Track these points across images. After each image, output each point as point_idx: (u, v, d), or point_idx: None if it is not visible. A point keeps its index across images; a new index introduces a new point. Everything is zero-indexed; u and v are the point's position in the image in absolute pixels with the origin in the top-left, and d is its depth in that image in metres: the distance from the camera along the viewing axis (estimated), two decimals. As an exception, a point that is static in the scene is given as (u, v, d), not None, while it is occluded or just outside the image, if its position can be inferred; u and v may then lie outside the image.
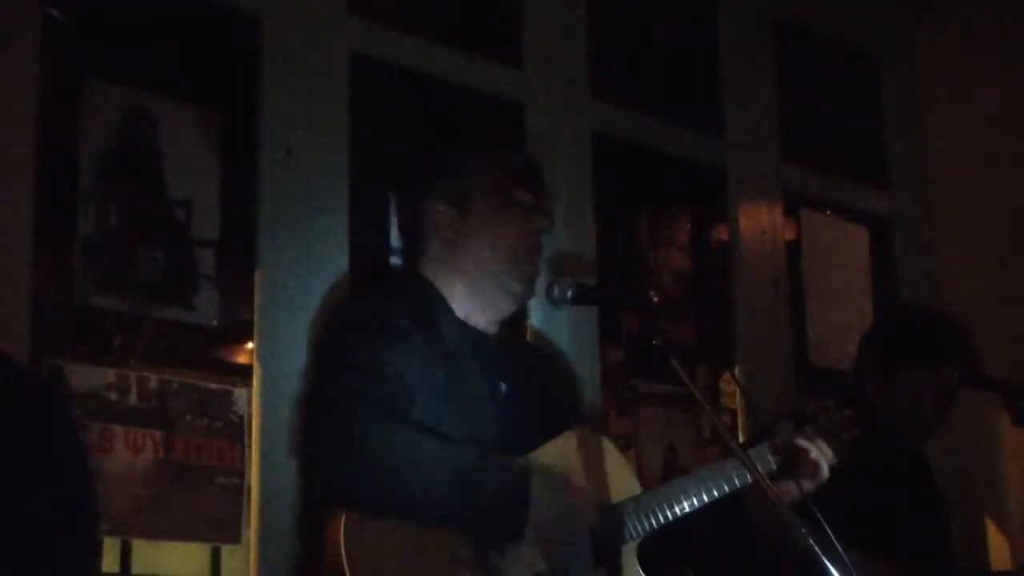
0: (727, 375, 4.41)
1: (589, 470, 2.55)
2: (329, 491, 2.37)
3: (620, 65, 4.14)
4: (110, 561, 3.73)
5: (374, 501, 2.32)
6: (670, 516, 2.55)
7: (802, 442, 2.63)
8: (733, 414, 4.36)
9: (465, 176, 2.70)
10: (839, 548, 2.23)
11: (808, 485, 2.59)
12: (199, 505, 3.00)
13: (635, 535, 2.54)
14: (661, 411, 4.20)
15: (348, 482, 2.32)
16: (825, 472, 2.61)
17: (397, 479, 2.32)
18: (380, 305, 2.58)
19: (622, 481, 2.60)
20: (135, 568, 3.90)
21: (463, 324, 2.65)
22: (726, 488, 2.59)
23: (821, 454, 2.63)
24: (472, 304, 2.67)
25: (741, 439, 3.81)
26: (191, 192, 3.09)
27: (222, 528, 3.04)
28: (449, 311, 2.64)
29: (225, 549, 3.72)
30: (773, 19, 4.50)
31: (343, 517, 2.29)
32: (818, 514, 2.32)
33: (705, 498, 2.57)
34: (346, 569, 2.26)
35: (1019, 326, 4.35)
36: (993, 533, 4.54)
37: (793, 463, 2.60)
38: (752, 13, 4.44)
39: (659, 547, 2.58)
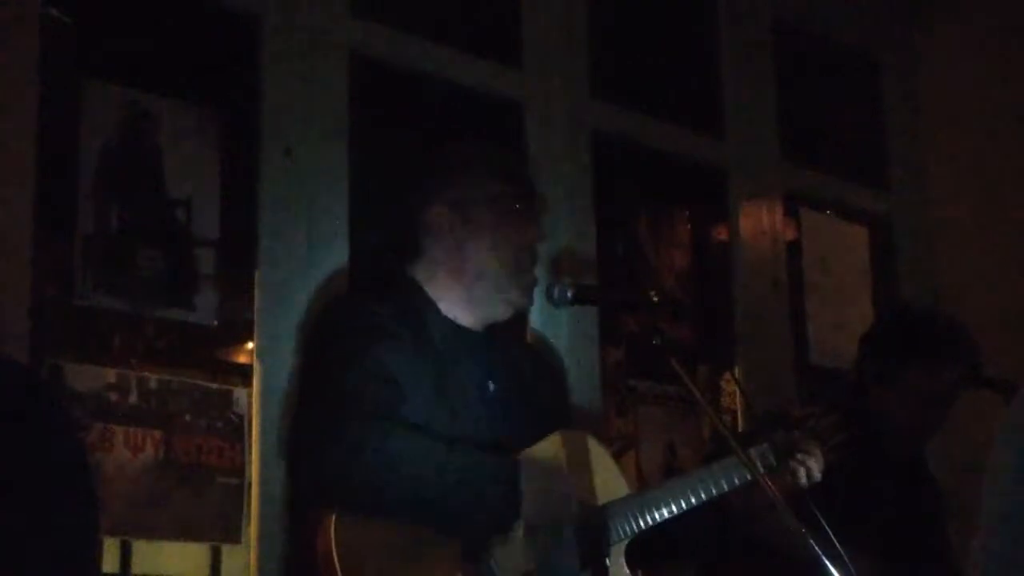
0: (727, 375, 4.41)
1: (577, 471, 2.56)
2: (320, 490, 2.37)
3: (620, 65, 4.14)
4: (110, 561, 3.74)
5: (365, 502, 2.32)
6: (657, 518, 2.56)
7: (799, 450, 2.65)
8: (733, 414, 4.36)
9: (466, 182, 2.70)
10: (838, 547, 2.23)
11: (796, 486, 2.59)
12: (199, 505, 2.99)
13: (622, 536, 2.54)
14: (661, 411, 4.20)
15: (339, 482, 2.33)
16: (807, 480, 2.61)
17: (388, 479, 2.32)
18: (367, 305, 2.59)
19: (610, 482, 2.61)
20: (135, 568, 3.91)
21: (451, 323, 2.65)
22: (713, 491, 2.60)
23: (809, 463, 2.64)
24: (464, 306, 2.67)
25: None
26: (191, 192, 3.09)
27: (222, 528, 3.04)
28: (437, 311, 2.65)
29: (225, 549, 3.73)
30: (773, 19, 4.50)
31: (334, 516, 2.29)
32: (817, 514, 2.33)
33: (692, 500, 2.58)
34: (338, 568, 2.27)
35: (1019, 326, 4.35)
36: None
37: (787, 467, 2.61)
38: (752, 13, 4.44)
39: (646, 544, 2.58)
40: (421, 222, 2.70)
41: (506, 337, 2.86)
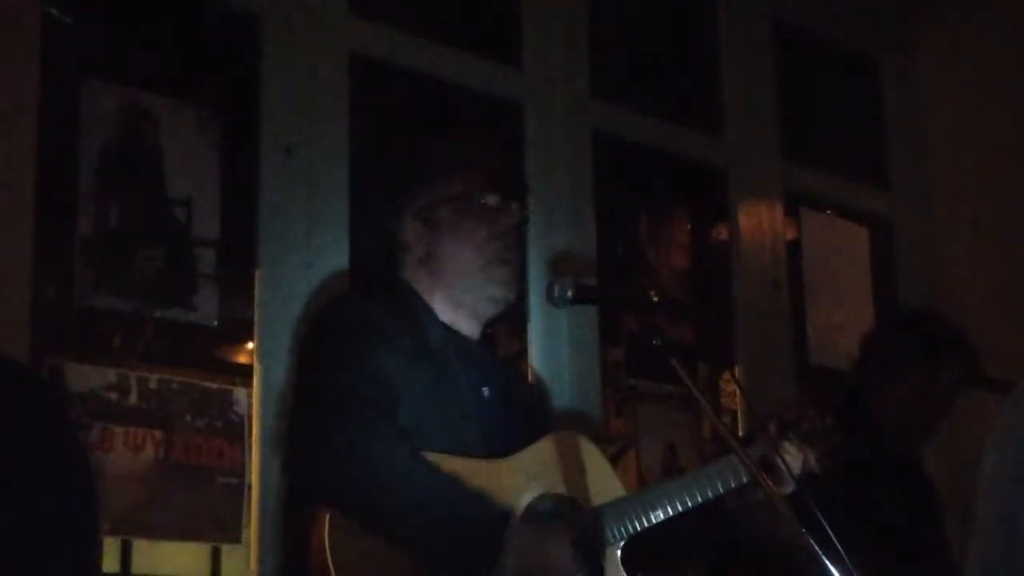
0: (727, 375, 4.41)
1: (571, 473, 2.55)
2: (314, 489, 2.37)
3: (620, 65, 4.14)
4: (110, 561, 3.74)
5: (356, 502, 2.31)
6: (653, 520, 2.54)
7: (784, 451, 2.63)
8: (733, 414, 4.36)
9: (431, 185, 2.68)
10: (839, 547, 2.23)
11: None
12: (199, 505, 3.00)
13: (617, 538, 2.53)
14: (661, 411, 4.20)
15: (333, 481, 2.32)
16: (791, 486, 2.59)
17: (379, 483, 2.31)
18: (364, 307, 2.58)
19: (604, 484, 2.59)
20: (135, 568, 3.91)
21: (447, 328, 2.65)
22: (709, 494, 2.57)
23: (795, 463, 2.63)
24: (452, 309, 2.66)
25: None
26: (191, 192, 3.09)
27: (222, 528, 3.04)
28: (433, 315, 2.64)
29: (225, 549, 3.73)
30: (773, 19, 4.50)
31: (328, 515, 2.29)
32: (819, 514, 2.32)
33: (689, 503, 2.56)
34: (331, 567, 2.26)
35: (1019, 326, 4.35)
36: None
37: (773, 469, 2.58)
38: (752, 13, 4.45)
39: (643, 545, 2.57)
40: (397, 233, 2.70)
41: (493, 352, 2.85)
